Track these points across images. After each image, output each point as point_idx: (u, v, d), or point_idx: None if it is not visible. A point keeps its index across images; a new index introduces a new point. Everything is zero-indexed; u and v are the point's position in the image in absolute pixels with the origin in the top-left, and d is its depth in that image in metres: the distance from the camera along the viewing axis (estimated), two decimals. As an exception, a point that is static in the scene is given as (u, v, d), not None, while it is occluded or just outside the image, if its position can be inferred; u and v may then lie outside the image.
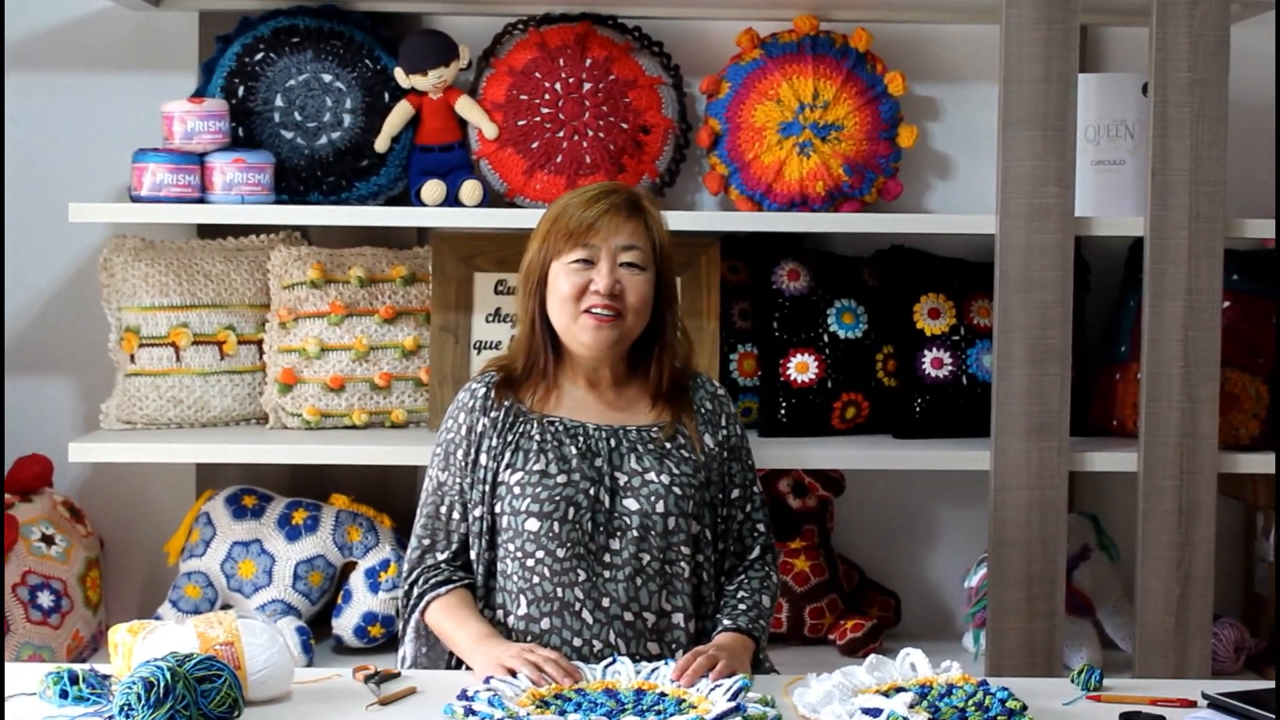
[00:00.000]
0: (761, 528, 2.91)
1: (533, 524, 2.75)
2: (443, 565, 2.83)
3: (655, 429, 2.84)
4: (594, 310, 2.76)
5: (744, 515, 2.89)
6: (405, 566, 2.87)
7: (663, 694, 2.51)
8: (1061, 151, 3.27)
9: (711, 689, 2.50)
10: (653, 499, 2.77)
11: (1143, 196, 3.34)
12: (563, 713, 2.40)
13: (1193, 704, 2.53)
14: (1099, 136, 3.49)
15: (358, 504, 3.59)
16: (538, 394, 2.84)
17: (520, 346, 2.86)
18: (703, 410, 2.88)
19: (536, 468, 2.78)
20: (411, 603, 2.83)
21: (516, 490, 2.77)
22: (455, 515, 2.83)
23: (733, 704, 2.40)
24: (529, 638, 2.74)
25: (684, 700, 2.48)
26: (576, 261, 2.77)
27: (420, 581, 2.83)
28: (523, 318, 2.85)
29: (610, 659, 2.64)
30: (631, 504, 2.77)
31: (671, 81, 3.60)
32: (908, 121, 3.60)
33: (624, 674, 2.59)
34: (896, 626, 3.74)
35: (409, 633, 2.86)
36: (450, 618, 2.77)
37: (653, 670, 2.60)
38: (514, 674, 2.56)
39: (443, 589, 2.80)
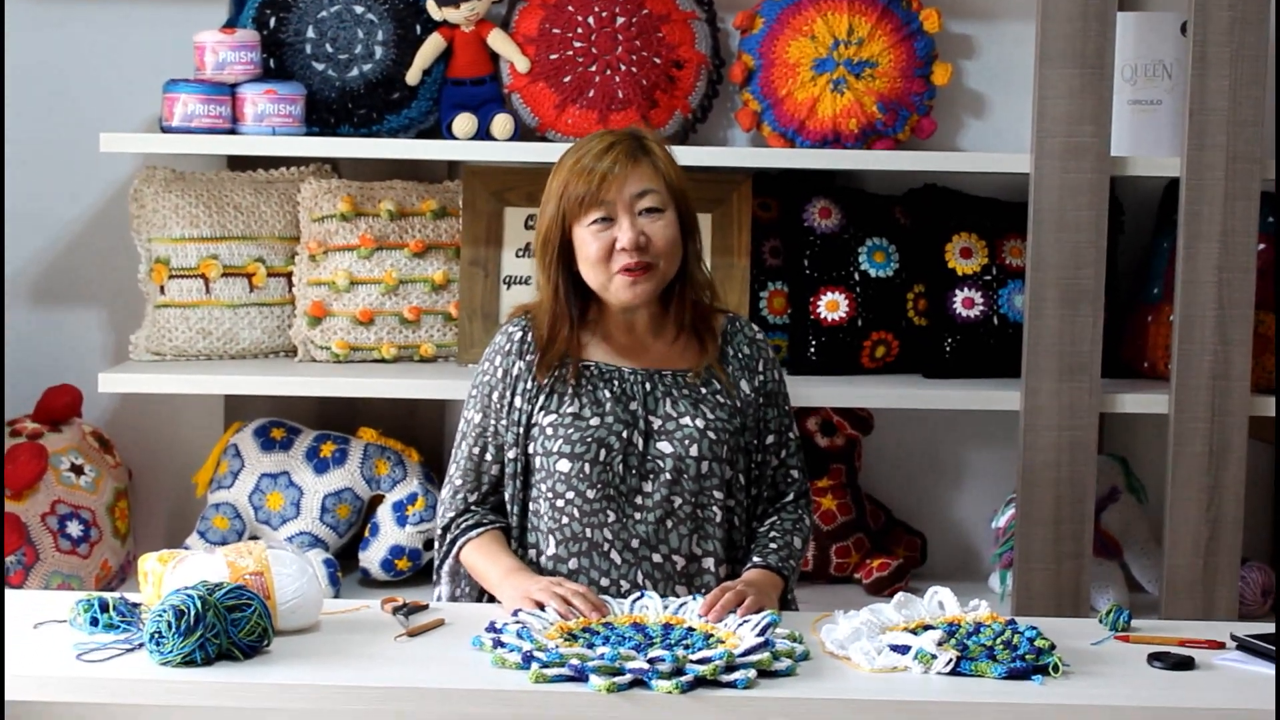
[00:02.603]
0: (796, 474, 2.90)
1: (564, 465, 2.74)
2: (475, 508, 2.84)
3: (690, 374, 2.82)
4: (626, 269, 2.73)
5: (779, 461, 2.88)
6: (439, 508, 2.87)
7: (691, 629, 2.51)
8: (1098, 90, 3.25)
9: (739, 624, 2.50)
10: (686, 442, 2.76)
11: (1179, 137, 3.31)
12: (590, 646, 2.41)
13: (1221, 645, 2.53)
14: (1136, 76, 3.46)
15: (386, 438, 3.59)
16: (573, 343, 2.81)
17: (543, 316, 2.81)
18: (740, 355, 2.86)
19: (570, 410, 2.77)
20: (445, 547, 2.84)
21: (549, 431, 2.76)
22: (489, 457, 2.83)
23: (761, 639, 2.40)
24: (558, 577, 2.74)
25: (712, 635, 2.48)
26: (596, 222, 2.73)
27: (454, 526, 2.83)
28: (543, 285, 2.80)
29: (638, 594, 2.65)
30: (665, 447, 2.76)
31: (705, 16, 3.58)
32: (942, 59, 3.57)
33: (652, 608, 2.60)
34: (923, 566, 3.74)
35: (444, 575, 2.87)
36: (482, 554, 2.78)
37: (681, 605, 2.60)
38: (542, 607, 2.57)
39: (474, 532, 2.81)
